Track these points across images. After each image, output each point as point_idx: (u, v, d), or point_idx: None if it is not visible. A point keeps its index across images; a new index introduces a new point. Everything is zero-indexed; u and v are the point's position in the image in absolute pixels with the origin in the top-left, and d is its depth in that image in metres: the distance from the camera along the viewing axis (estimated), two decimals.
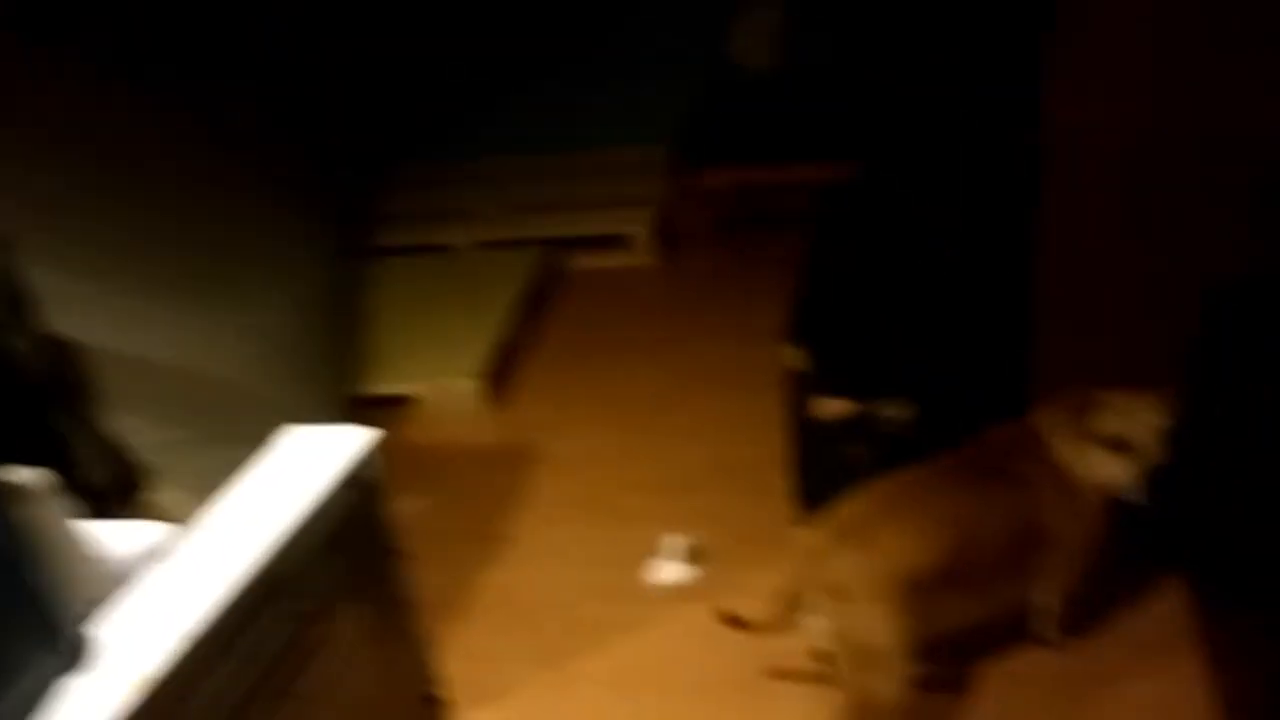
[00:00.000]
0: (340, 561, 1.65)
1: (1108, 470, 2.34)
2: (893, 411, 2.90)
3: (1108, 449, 2.34)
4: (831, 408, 2.93)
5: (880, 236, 3.44)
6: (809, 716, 2.49)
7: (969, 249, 3.23)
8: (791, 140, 4.86)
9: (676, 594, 2.98)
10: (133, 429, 2.64)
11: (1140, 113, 2.56)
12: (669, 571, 3.04)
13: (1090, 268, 2.75)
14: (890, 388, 2.89)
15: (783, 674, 2.57)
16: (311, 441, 1.74)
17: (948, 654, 2.64)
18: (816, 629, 2.21)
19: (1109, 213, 2.69)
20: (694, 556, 3.08)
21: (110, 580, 1.48)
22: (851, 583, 2.15)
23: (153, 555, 1.55)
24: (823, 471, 2.99)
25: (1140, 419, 2.34)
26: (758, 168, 4.81)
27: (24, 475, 1.37)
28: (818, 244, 3.45)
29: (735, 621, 2.35)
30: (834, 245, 3.43)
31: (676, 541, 3.08)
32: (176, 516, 1.75)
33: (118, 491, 2.52)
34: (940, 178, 3.80)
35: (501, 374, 4.08)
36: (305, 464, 1.67)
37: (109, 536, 1.56)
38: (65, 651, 1.34)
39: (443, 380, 3.95)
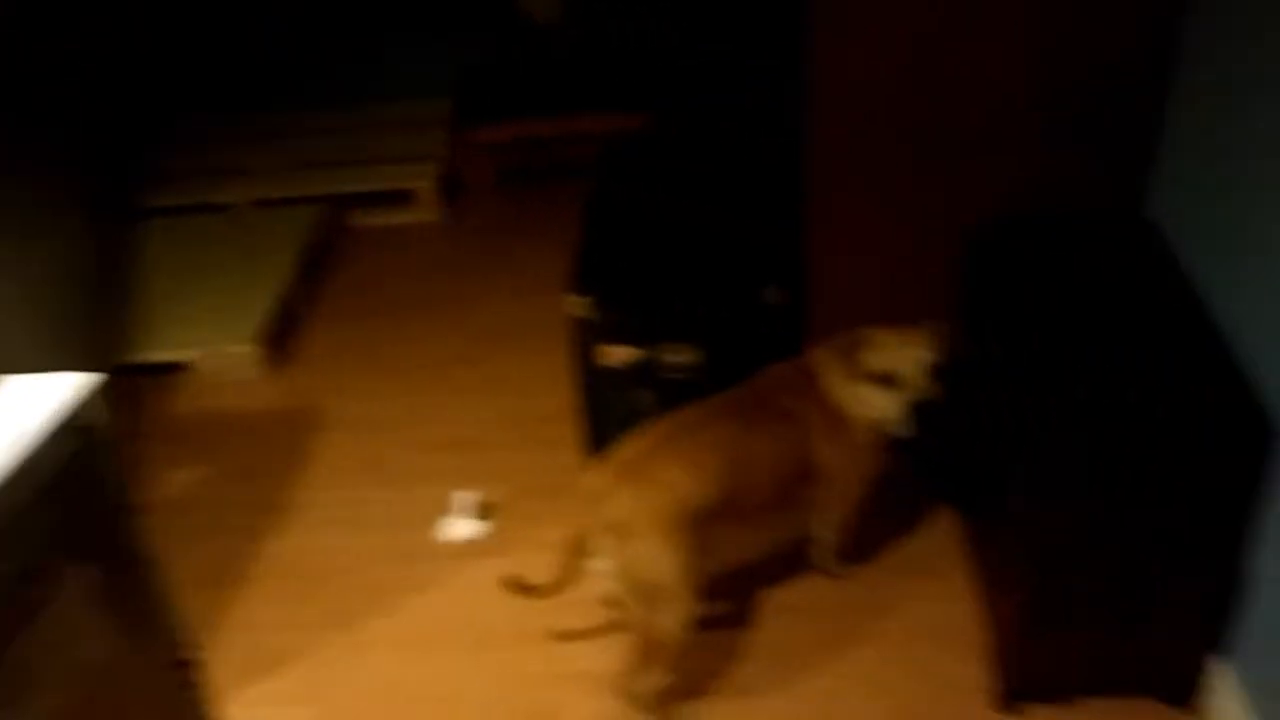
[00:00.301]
0: (58, 516, 1.51)
1: (877, 405, 2.43)
2: (677, 355, 2.92)
3: (877, 385, 2.43)
4: (617, 354, 2.93)
5: (660, 185, 3.47)
6: (603, 661, 2.51)
7: (746, 196, 3.29)
8: (575, 92, 4.84)
9: (468, 551, 2.93)
10: None
11: (901, 61, 2.64)
12: (460, 529, 2.99)
13: (859, 211, 2.83)
14: (674, 332, 2.92)
15: (569, 635, 2.56)
16: (25, 389, 1.57)
17: (730, 589, 2.72)
18: (602, 571, 2.21)
19: (875, 158, 2.77)
20: (486, 512, 3.04)
21: None
22: (631, 520, 2.16)
23: None
24: (611, 419, 2.99)
25: (908, 355, 2.43)
26: (542, 120, 4.76)
27: None
28: (600, 194, 3.44)
29: (521, 588, 2.34)
30: (615, 195, 3.43)
31: (467, 498, 3.02)
32: None
33: None
34: (718, 128, 3.86)
35: (282, 337, 3.90)
36: (15, 412, 1.52)
37: None
38: None
39: (219, 345, 3.75)
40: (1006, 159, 2.71)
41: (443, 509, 3.03)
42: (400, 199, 4.66)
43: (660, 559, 2.16)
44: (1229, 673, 2.24)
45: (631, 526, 2.16)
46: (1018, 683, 2.34)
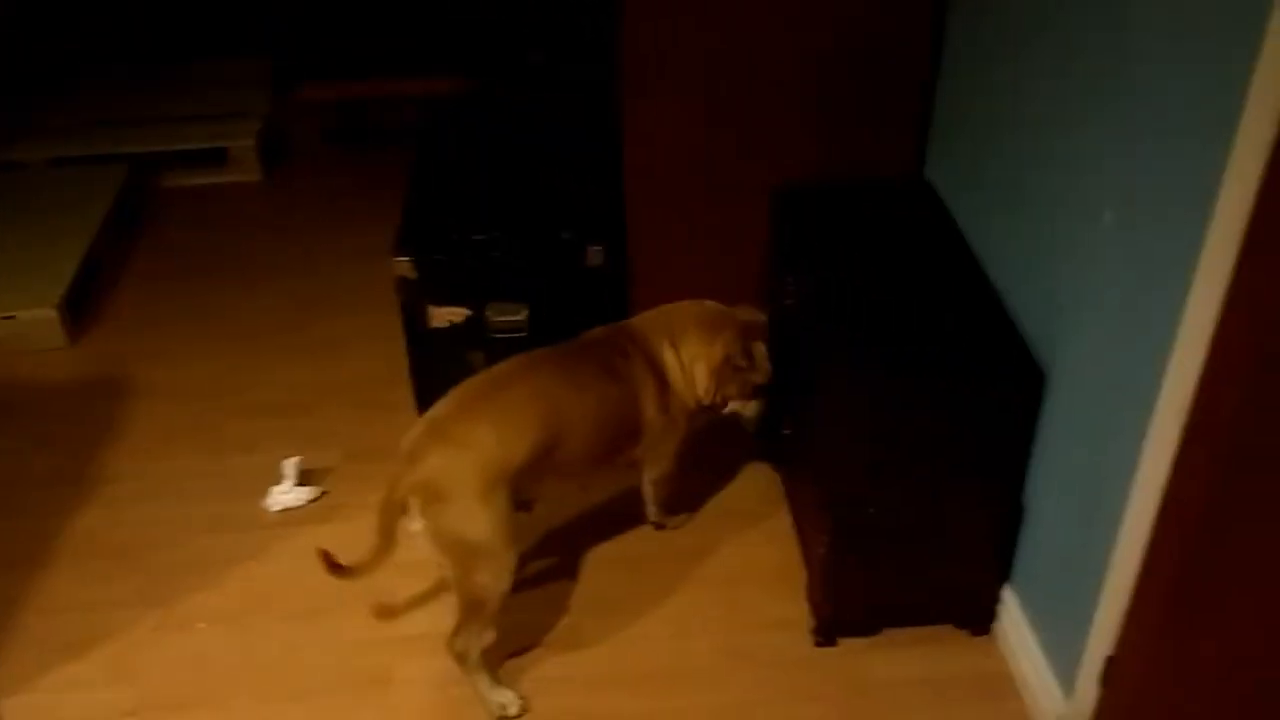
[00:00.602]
0: None
1: (700, 371, 2.54)
2: (505, 315, 2.94)
3: (701, 354, 2.54)
4: (445, 315, 2.93)
5: (485, 147, 3.46)
6: (430, 624, 2.53)
7: (569, 158, 3.32)
8: (400, 53, 4.74)
9: (297, 519, 2.89)
10: None
11: (706, 33, 2.75)
12: (290, 496, 2.94)
13: (673, 176, 2.91)
14: (501, 292, 2.93)
15: (389, 611, 2.55)
16: None
17: (555, 542, 2.78)
18: (418, 532, 2.21)
19: (685, 125, 2.86)
20: (314, 479, 3.00)
21: None
22: (440, 480, 2.16)
23: None
24: (442, 380, 2.98)
25: (728, 323, 2.57)
26: (367, 81, 4.66)
27: None
28: (424, 156, 3.41)
29: (337, 568, 2.27)
30: (440, 157, 3.40)
31: (294, 465, 2.97)
32: None
33: None
34: (542, 91, 3.87)
35: (88, 303, 3.73)
36: None
37: None
38: None
39: (18, 312, 3.55)
40: (803, 128, 2.88)
41: (271, 477, 2.97)
42: (217, 159, 4.50)
43: (472, 519, 2.17)
44: (1014, 598, 2.43)
45: (441, 487, 2.16)
46: (831, 617, 2.47)
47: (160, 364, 3.49)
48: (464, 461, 2.18)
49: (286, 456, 2.98)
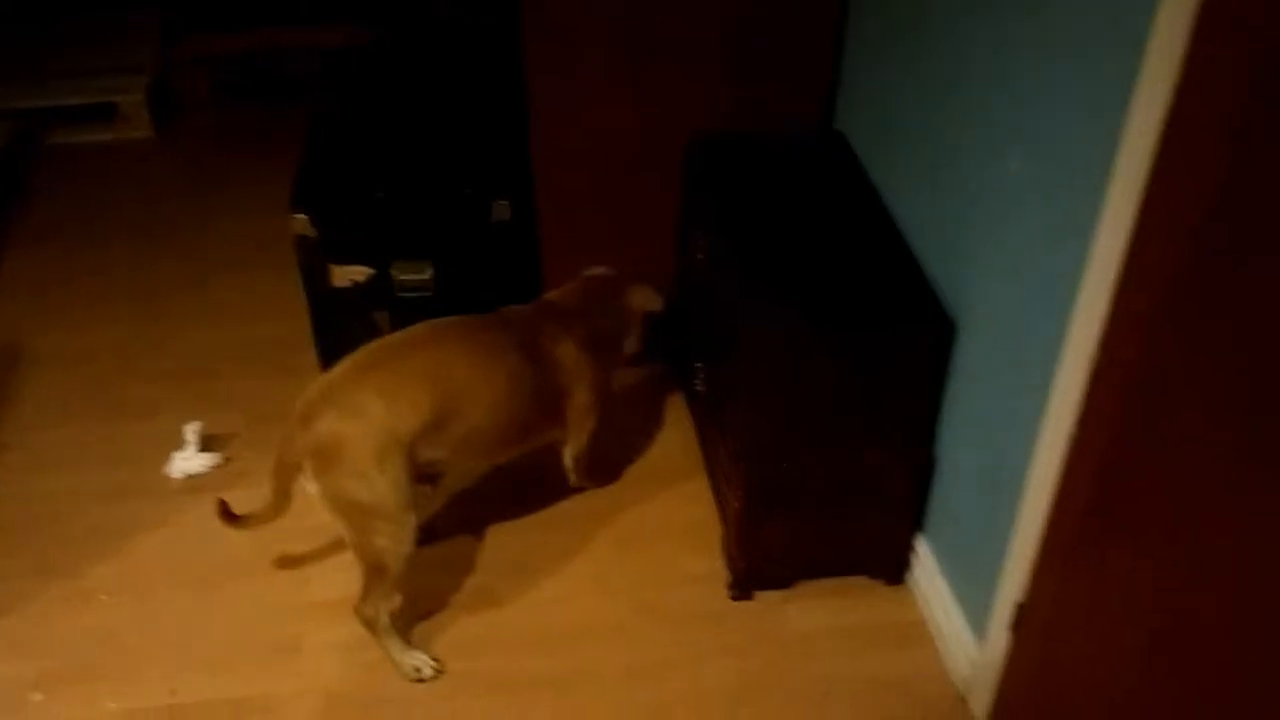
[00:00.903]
0: None
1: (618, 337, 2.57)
2: (410, 273, 2.88)
3: (611, 322, 2.56)
4: (347, 274, 2.85)
5: (385, 100, 3.36)
6: (345, 587, 2.47)
7: (473, 112, 3.24)
8: (294, 3, 4.58)
9: (201, 485, 2.81)
10: None
11: None
12: (192, 463, 2.85)
13: (581, 129, 2.85)
14: (405, 250, 2.86)
15: (290, 561, 2.52)
16: None
17: (472, 504, 2.74)
18: (313, 495, 2.17)
19: (592, 79, 2.79)
20: (217, 444, 2.91)
21: None
22: (333, 446, 2.12)
23: None
24: (347, 341, 2.90)
25: (641, 291, 2.60)
26: (259, 31, 4.49)
27: None
28: (322, 109, 3.30)
29: (231, 517, 2.26)
30: (339, 110, 3.30)
31: (196, 430, 2.88)
32: None
33: None
34: (443, 42, 3.77)
35: None
36: None
37: None
38: None
39: None
40: (713, 80, 2.83)
41: (173, 443, 2.88)
42: (106, 115, 4.31)
43: (365, 484, 2.13)
44: (927, 548, 2.47)
45: (333, 452, 2.12)
46: (746, 571, 2.48)
47: (52, 329, 3.35)
48: (354, 428, 2.13)
49: (188, 422, 2.88)
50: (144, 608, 2.49)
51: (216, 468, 2.86)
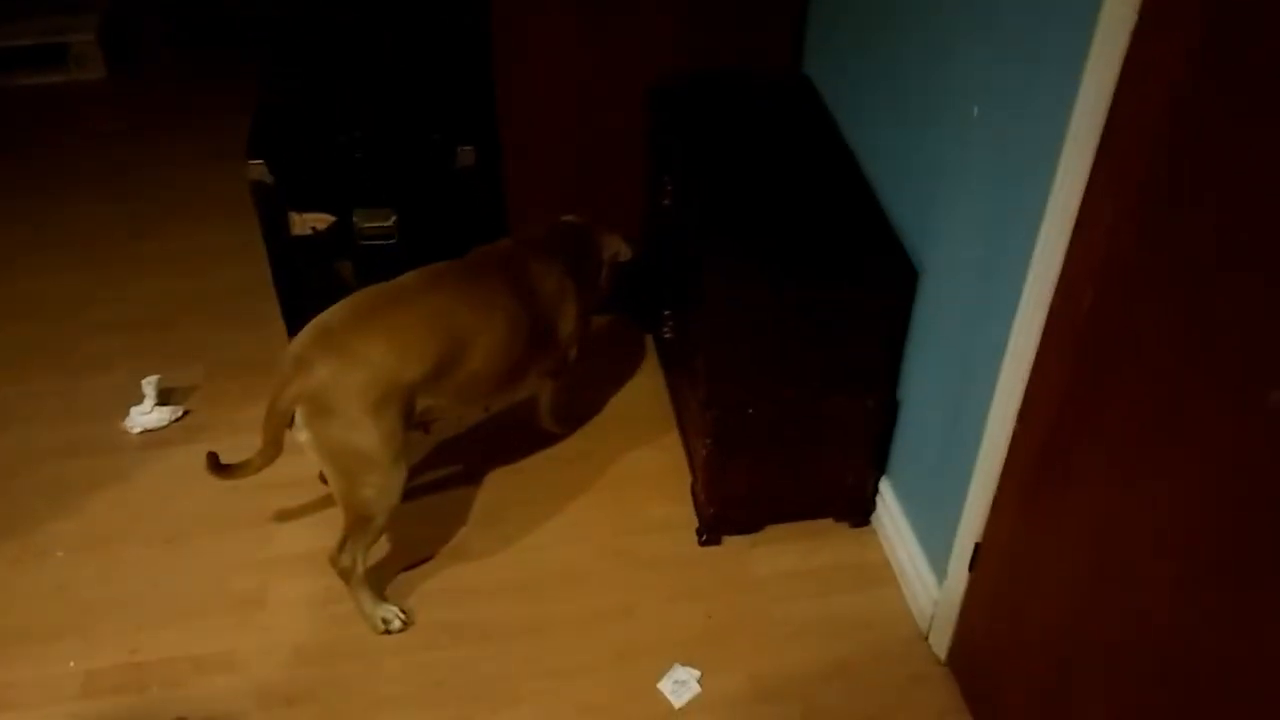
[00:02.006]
0: None
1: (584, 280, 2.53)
2: (372, 220, 2.81)
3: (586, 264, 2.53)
4: (307, 221, 2.78)
5: (345, 41, 3.26)
6: (311, 540, 2.46)
7: (435, 55, 3.15)
8: None
9: (160, 439, 2.77)
10: None
11: None
12: (151, 417, 2.81)
13: (546, 72, 2.79)
14: (367, 197, 2.79)
15: (254, 517, 2.50)
16: None
17: (445, 454, 2.72)
18: (303, 442, 2.13)
19: (557, 18, 2.72)
20: (176, 398, 2.86)
21: None
22: (328, 393, 2.08)
23: None
24: (309, 290, 2.85)
25: (613, 238, 2.59)
26: None
27: None
28: (280, 49, 3.20)
29: (221, 468, 2.21)
30: (297, 51, 3.19)
31: (154, 383, 2.83)
32: None
33: None
34: None
35: None
36: None
37: None
38: None
39: None
40: (680, 23, 2.76)
41: (130, 397, 2.83)
42: (57, 56, 4.18)
43: (360, 433, 2.10)
44: (891, 491, 2.47)
45: (330, 400, 2.08)
46: (714, 517, 2.48)
47: (2, 280, 3.27)
48: (354, 375, 2.08)
49: (145, 375, 2.83)
50: (102, 564, 2.46)
51: (176, 422, 2.81)
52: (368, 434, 2.10)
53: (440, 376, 2.21)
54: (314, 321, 2.18)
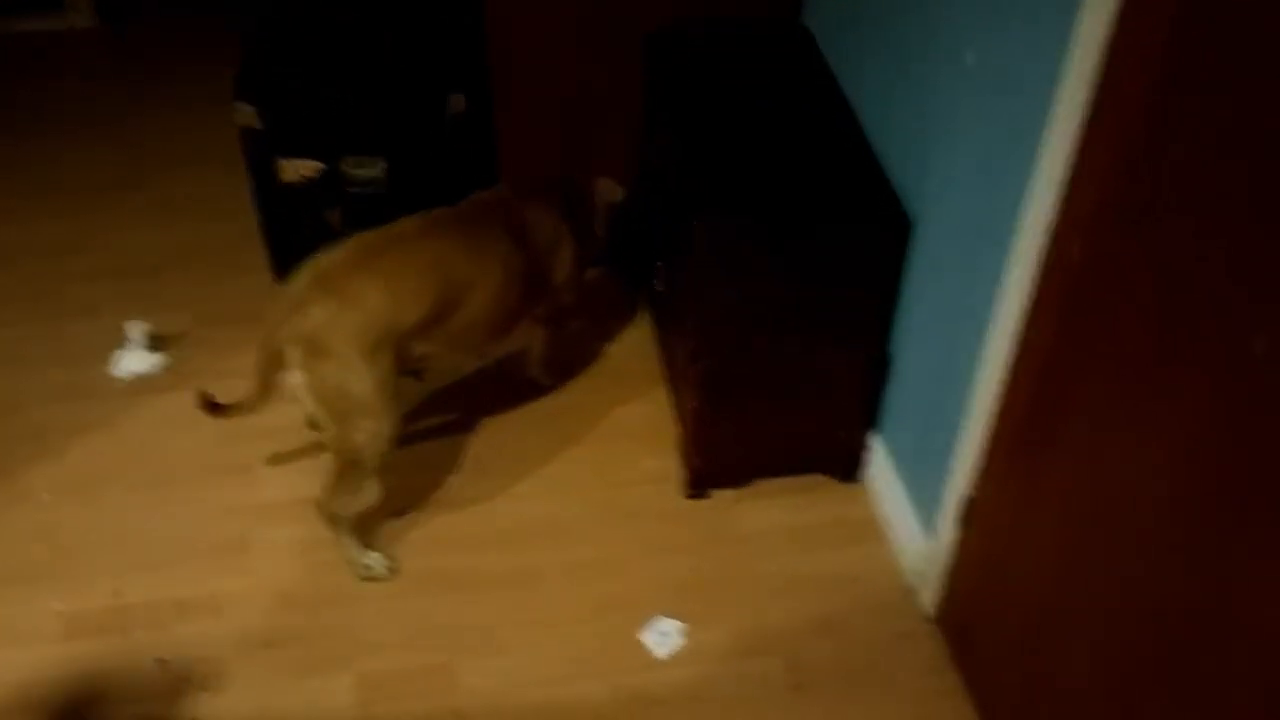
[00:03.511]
0: None
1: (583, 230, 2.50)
2: (362, 168, 2.78)
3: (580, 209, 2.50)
4: (297, 169, 2.75)
5: None
6: (296, 487, 2.45)
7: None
8: None
9: (145, 386, 2.75)
10: None
11: None
12: (136, 362, 2.79)
13: (539, 19, 2.75)
14: (357, 144, 2.76)
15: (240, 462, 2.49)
16: None
17: (434, 403, 2.70)
18: (296, 385, 2.11)
19: None
20: (161, 344, 2.84)
21: None
22: (324, 335, 2.05)
23: None
24: (297, 238, 2.82)
25: (604, 182, 2.55)
26: None
27: None
28: None
29: (214, 407, 2.19)
30: None
31: (141, 329, 2.80)
32: None
33: None
34: None
35: None
36: None
37: None
38: None
39: None
40: None
41: (117, 343, 2.81)
42: (51, 2, 4.13)
43: (354, 376, 2.08)
44: (881, 445, 2.45)
45: (325, 342, 2.06)
46: (702, 470, 2.47)
47: None
48: (350, 318, 2.06)
49: (133, 321, 2.81)
50: (87, 508, 2.44)
51: (164, 368, 2.79)
52: (361, 377, 2.08)
53: (437, 323, 2.19)
54: (310, 263, 2.16)
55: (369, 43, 2.89)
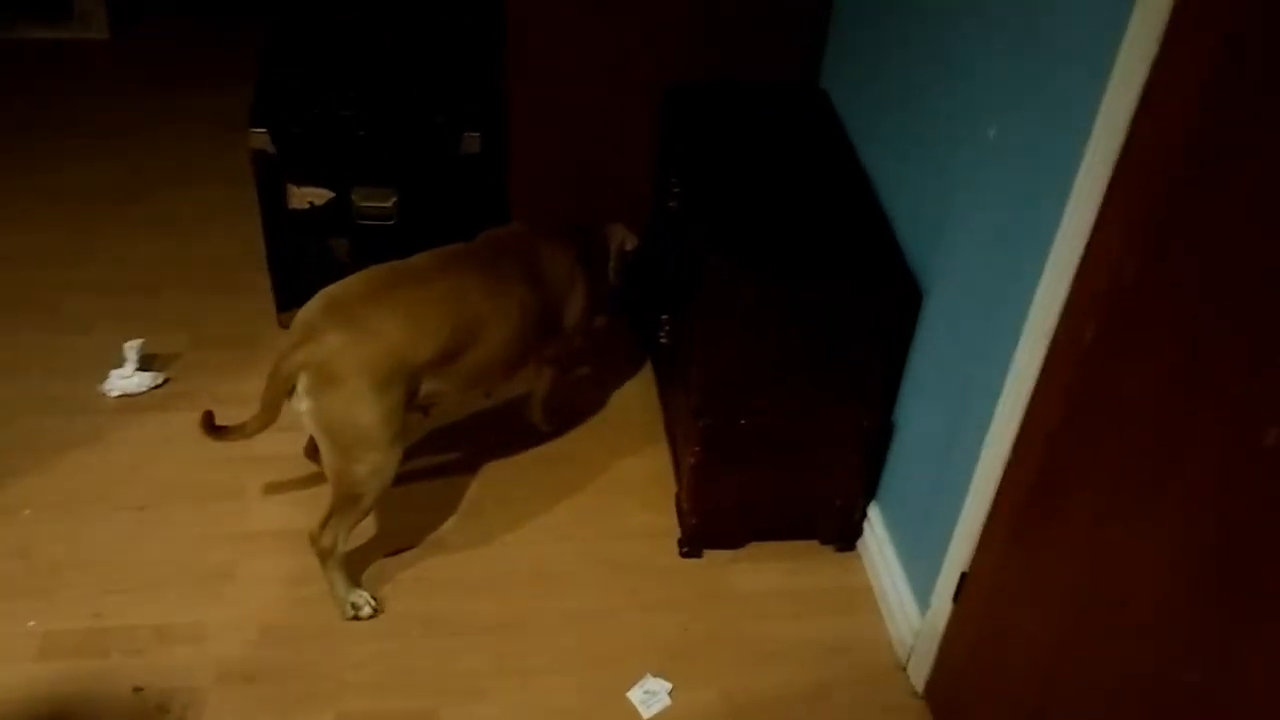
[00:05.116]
0: None
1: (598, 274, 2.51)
2: (372, 200, 2.77)
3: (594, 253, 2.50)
4: (305, 195, 2.74)
5: (356, 13, 3.21)
6: (286, 518, 2.41)
7: (448, 37, 3.11)
8: None
9: (139, 405, 2.71)
10: None
11: None
12: (131, 381, 2.75)
13: (560, 67, 2.77)
14: (369, 175, 2.75)
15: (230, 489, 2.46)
16: None
17: (430, 444, 2.67)
18: (302, 412, 2.09)
19: (574, 17, 2.72)
20: (157, 364, 2.80)
21: None
22: (336, 364, 2.04)
23: None
24: (302, 265, 2.82)
25: (618, 228, 2.57)
26: None
27: None
28: (287, 17, 3.14)
29: (215, 428, 2.16)
30: (306, 19, 3.14)
31: (136, 348, 2.76)
32: None
33: None
34: None
35: None
36: None
37: None
38: None
39: None
40: (699, 26, 2.76)
41: (111, 359, 2.76)
42: (63, 13, 4.12)
43: (363, 408, 2.06)
44: (879, 515, 2.44)
45: (337, 371, 2.04)
46: (697, 528, 2.44)
47: None
48: (365, 348, 2.05)
49: (128, 339, 2.77)
50: (70, 526, 2.40)
51: (155, 388, 2.75)
52: (370, 409, 2.06)
53: (450, 359, 2.18)
54: (325, 292, 2.15)
55: (388, 75, 2.91)
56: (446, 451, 2.67)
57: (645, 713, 2.15)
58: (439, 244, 2.34)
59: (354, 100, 2.75)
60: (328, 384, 2.05)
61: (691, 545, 2.46)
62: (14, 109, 3.76)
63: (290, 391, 2.08)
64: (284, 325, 2.77)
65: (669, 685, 2.19)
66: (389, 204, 2.77)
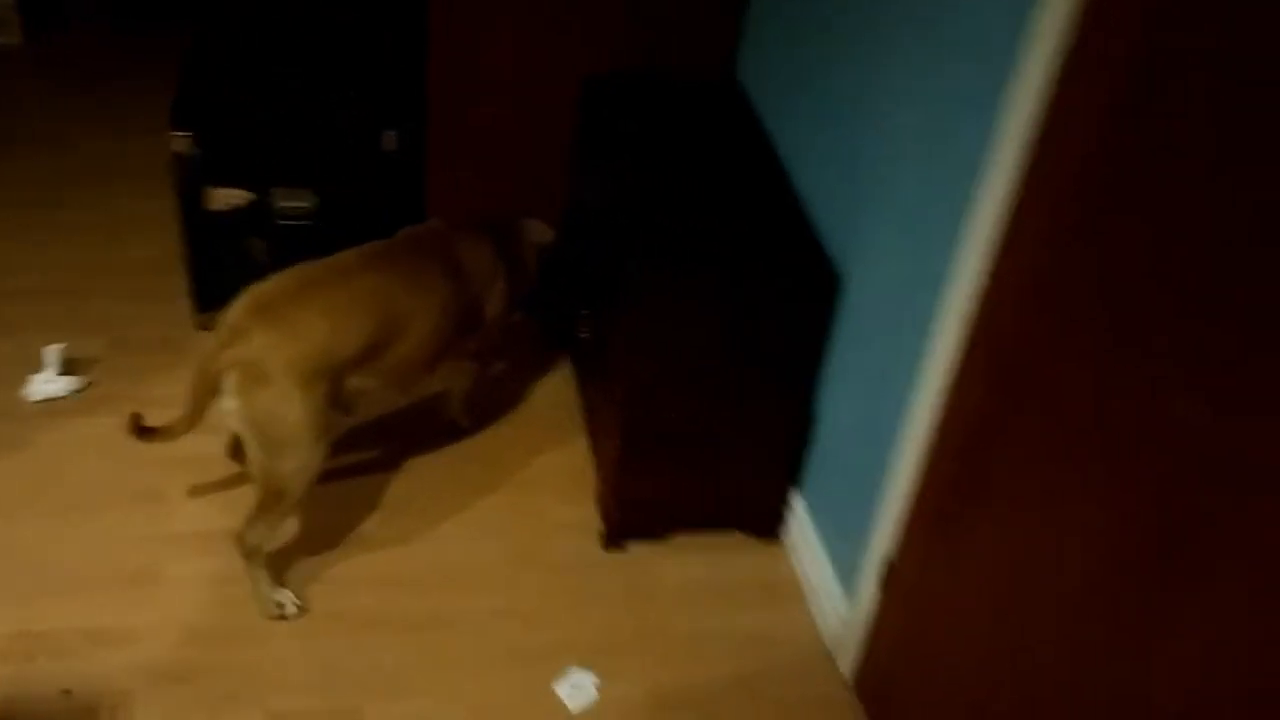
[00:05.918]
0: None
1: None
2: (291, 200, 2.77)
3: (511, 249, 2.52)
4: (225, 197, 2.74)
5: (277, 19, 3.20)
6: (209, 519, 2.41)
7: (366, 37, 3.11)
8: None
9: (59, 409, 2.67)
10: None
11: None
12: (51, 386, 2.71)
13: (480, 62, 2.79)
14: (288, 176, 2.75)
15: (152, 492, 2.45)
16: None
17: (355, 442, 2.68)
18: (228, 411, 2.09)
19: (500, 10, 2.74)
20: (78, 368, 2.77)
21: None
22: (262, 363, 2.05)
23: None
24: (221, 267, 2.81)
25: (533, 224, 2.60)
26: None
27: None
28: (207, 21, 3.12)
29: (142, 430, 2.15)
30: (225, 23, 3.12)
31: (57, 352, 2.73)
32: None
33: None
34: None
35: None
36: None
37: None
38: None
39: None
40: (616, 21, 2.81)
41: (31, 365, 2.73)
42: None
43: (289, 406, 2.07)
44: (802, 505, 2.50)
45: (262, 369, 2.05)
46: (619, 521, 2.48)
47: None
48: (292, 347, 2.06)
49: (48, 343, 2.74)
50: None
51: (76, 393, 2.73)
52: (296, 408, 2.08)
53: (374, 355, 2.20)
54: (250, 291, 2.15)
55: (307, 76, 2.90)
56: (368, 449, 2.68)
57: (572, 706, 2.18)
58: (358, 243, 2.35)
59: (274, 102, 2.74)
60: (255, 383, 2.06)
61: (614, 538, 2.50)
62: None
63: (216, 391, 2.09)
64: (203, 327, 2.77)
65: (596, 678, 2.22)
66: (308, 204, 2.78)
